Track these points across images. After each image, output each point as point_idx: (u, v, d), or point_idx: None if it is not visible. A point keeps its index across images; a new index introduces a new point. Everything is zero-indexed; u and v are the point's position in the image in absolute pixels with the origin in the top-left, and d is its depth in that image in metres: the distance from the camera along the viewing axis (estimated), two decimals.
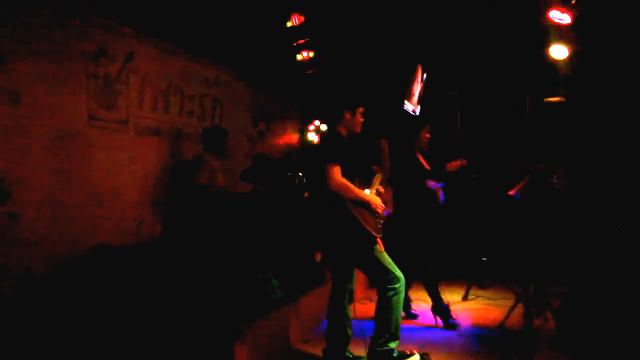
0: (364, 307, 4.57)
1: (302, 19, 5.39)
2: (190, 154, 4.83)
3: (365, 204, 3.10)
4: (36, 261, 3.44)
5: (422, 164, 4.42)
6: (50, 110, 3.58)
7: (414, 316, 4.51)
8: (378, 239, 3.12)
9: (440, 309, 4.27)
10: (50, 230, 3.56)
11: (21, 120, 3.39)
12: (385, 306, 3.11)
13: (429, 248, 4.30)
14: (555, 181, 5.35)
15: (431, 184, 4.33)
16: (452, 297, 4.89)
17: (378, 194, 3.28)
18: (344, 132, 3.24)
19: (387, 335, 3.10)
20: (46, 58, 3.54)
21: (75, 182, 3.77)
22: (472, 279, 5.48)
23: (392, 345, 3.12)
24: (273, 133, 6.52)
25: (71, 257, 3.65)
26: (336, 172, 3.00)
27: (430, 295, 4.31)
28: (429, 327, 4.28)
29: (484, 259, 5.82)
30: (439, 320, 4.28)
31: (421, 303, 4.91)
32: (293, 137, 6.88)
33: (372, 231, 3.02)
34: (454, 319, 4.25)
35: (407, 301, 4.50)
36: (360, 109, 3.29)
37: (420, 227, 4.27)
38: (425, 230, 4.30)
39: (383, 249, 3.18)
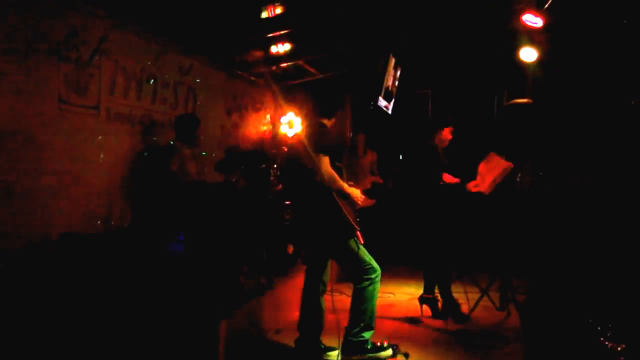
0: (337, 299, 4.62)
1: (279, 10, 5.37)
2: (162, 142, 4.75)
3: (348, 196, 3.16)
4: None
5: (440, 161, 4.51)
6: (20, 93, 3.45)
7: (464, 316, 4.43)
8: (357, 232, 3.18)
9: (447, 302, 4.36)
10: (14, 217, 3.44)
11: None
12: (360, 296, 3.16)
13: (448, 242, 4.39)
14: (518, 179, 5.53)
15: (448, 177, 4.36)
16: (418, 290, 4.99)
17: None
18: (328, 125, 3.29)
19: (362, 325, 3.16)
20: (16, 38, 3.40)
21: (43, 168, 3.65)
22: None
23: (367, 335, 3.18)
24: (247, 124, 6.47)
25: (36, 246, 3.54)
26: (326, 163, 3.05)
27: (432, 286, 4.38)
28: (397, 318, 4.36)
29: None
30: (425, 309, 4.36)
31: (390, 295, 5.02)
32: (267, 129, 6.86)
33: (353, 223, 3.08)
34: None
35: (454, 303, 4.41)
36: None
37: (439, 221, 4.36)
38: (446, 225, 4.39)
39: (362, 241, 3.24)
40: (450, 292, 4.37)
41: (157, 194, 4.32)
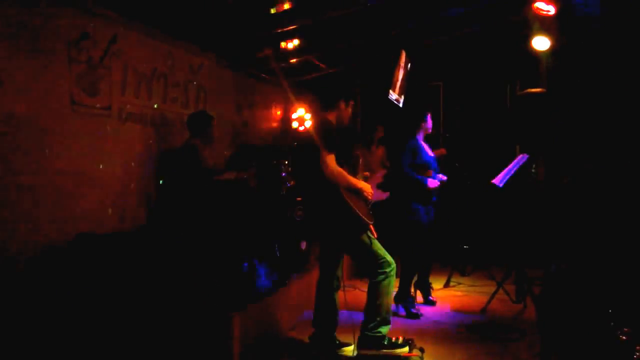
0: (350, 294, 4.61)
1: (287, 5, 5.35)
2: (173, 141, 4.78)
3: (358, 191, 3.14)
4: (13, 250, 3.35)
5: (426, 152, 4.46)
6: (33, 95, 3.49)
7: (432, 303, 4.56)
8: (370, 225, 3.17)
9: (406, 298, 4.33)
10: (28, 218, 3.49)
11: (4, 106, 3.30)
12: (376, 291, 3.15)
13: (425, 237, 4.35)
14: (533, 170, 5.45)
15: (432, 182, 4.33)
16: (434, 284, 4.98)
17: (365, 178, 3.33)
18: (333, 120, 3.27)
19: (378, 320, 3.15)
20: (28, 42, 3.44)
21: (57, 169, 3.70)
22: (454, 266, 5.59)
23: (383, 330, 3.17)
24: (258, 121, 6.48)
25: (51, 247, 3.58)
26: (332, 161, 3.04)
27: (403, 282, 4.35)
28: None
29: (465, 246, 5.93)
30: (401, 309, 4.33)
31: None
32: (278, 126, 6.86)
33: (364, 218, 3.06)
34: (417, 309, 4.30)
35: (428, 287, 4.61)
36: (351, 102, 3.37)
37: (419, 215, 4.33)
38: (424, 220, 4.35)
39: (375, 235, 3.22)
40: (410, 283, 4.36)
41: (184, 192, 4.30)
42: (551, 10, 4.15)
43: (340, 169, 3.06)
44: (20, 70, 3.40)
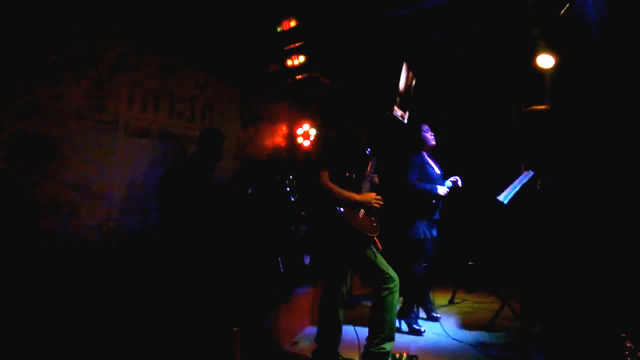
0: (356, 309, 4.59)
1: (293, 23, 5.42)
2: (179, 156, 4.80)
3: (356, 204, 3.14)
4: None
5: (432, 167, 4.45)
6: (41, 109, 3.54)
7: (436, 319, 4.50)
8: (375, 238, 3.15)
9: (408, 314, 4.30)
10: (36, 233, 3.50)
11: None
12: (380, 306, 3.13)
13: (425, 254, 4.33)
14: (539, 187, 5.41)
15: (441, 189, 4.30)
16: (438, 300, 4.95)
17: (371, 185, 3.33)
18: (334, 132, 3.29)
19: (382, 336, 3.12)
20: (38, 56, 3.50)
21: (64, 183, 3.73)
22: (459, 283, 5.54)
23: (387, 346, 3.13)
24: (263, 136, 6.52)
25: (58, 260, 3.60)
26: (324, 177, 3.07)
27: (407, 297, 4.31)
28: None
29: (470, 262, 5.89)
30: (404, 325, 4.29)
31: None
32: (283, 141, 6.89)
33: (365, 231, 3.05)
34: (420, 325, 4.26)
35: (430, 303, 4.56)
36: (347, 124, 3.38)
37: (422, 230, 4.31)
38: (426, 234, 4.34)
39: (380, 247, 3.19)
40: (414, 298, 4.32)
41: (190, 206, 4.30)
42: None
43: (331, 186, 3.07)
44: (28, 84, 3.46)
